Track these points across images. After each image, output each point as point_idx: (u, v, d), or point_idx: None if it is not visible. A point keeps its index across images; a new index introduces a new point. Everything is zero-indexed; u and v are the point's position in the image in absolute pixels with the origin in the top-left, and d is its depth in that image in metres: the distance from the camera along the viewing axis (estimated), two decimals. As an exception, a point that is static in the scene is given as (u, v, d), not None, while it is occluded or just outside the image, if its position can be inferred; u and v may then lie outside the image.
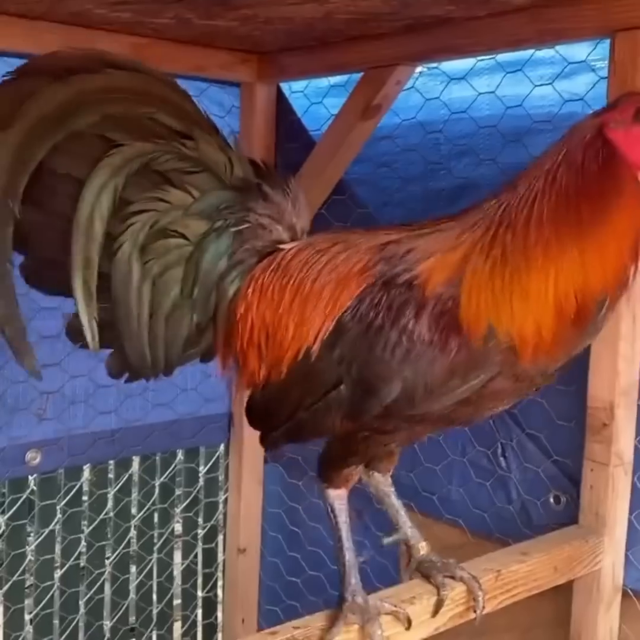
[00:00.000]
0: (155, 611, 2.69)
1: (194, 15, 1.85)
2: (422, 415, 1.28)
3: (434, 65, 2.13)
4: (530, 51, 1.93)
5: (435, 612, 1.44)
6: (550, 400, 1.96)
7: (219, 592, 2.81)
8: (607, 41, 1.71)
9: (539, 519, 2.00)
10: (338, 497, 1.43)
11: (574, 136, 1.26)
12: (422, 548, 1.52)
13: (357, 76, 2.18)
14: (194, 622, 2.80)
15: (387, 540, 1.57)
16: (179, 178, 1.44)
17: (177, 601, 2.78)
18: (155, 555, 2.66)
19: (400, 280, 1.28)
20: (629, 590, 1.83)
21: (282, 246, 1.48)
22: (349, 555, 1.42)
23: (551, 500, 1.96)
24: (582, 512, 1.80)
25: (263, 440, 1.49)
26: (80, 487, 2.46)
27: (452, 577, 1.50)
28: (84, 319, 1.40)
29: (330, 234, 1.50)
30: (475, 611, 1.49)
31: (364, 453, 1.41)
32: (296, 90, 2.46)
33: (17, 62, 2.03)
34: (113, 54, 1.37)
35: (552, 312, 1.21)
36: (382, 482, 1.56)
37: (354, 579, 1.41)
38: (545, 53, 1.93)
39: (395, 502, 1.56)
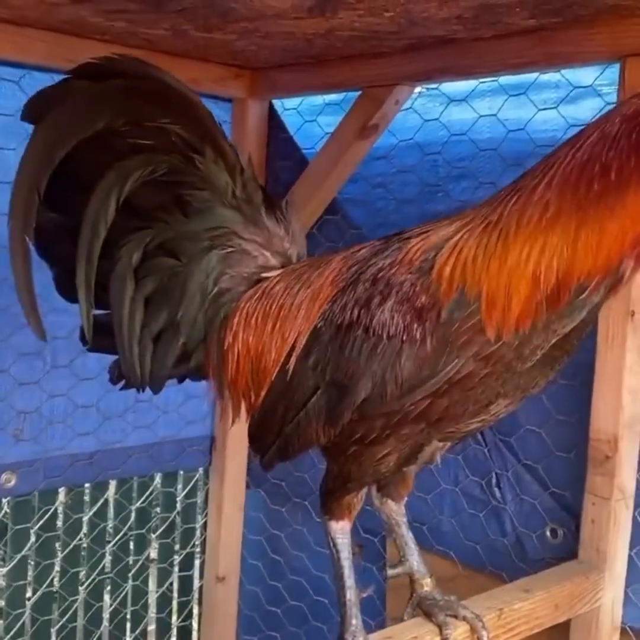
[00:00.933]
0: (129, 640, 2.60)
1: (191, 26, 1.80)
2: (398, 413, 1.24)
3: (434, 86, 2.09)
4: (534, 74, 1.90)
5: (440, 654, 1.38)
6: (548, 431, 1.92)
7: (195, 621, 2.72)
8: (615, 66, 1.68)
9: (534, 553, 1.95)
10: (341, 531, 1.37)
11: (616, 110, 1.18)
12: (427, 584, 1.47)
13: (353, 95, 2.15)
14: (169, 652, 2.71)
15: (391, 573, 1.51)
16: (182, 193, 1.43)
17: (151, 629, 2.68)
18: (130, 582, 2.57)
19: (367, 276, 1.28)
20: (628, 629, 1.78)
21: (266, 275, 1.48)
22: (351, 594, 1.36)
23: (548, 533, 1.91)
24: (582, 547, 1.75)
25: (261, 462, 1.46)
26: (55, 510, 2.38)
27: (455, 616, 1.44)
28: (82, 312, 1.42)
29: (316, 257, 1.50)
30: (479, 652, 1.43)
31: (358, 474, 1.34)
32: (289, 108, 2.40)
33: (5, 71, 1.99)
34: (147, 63, 1.37)
35: (528, 282, 1.14)
36: (395, 511, 1.50)
37: (354, 619, 1.35)
38: (550, 76, 1.90)
39: (405, 533, 1.51)
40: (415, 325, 1.19)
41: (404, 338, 1.20)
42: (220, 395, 1.50)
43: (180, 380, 1.57)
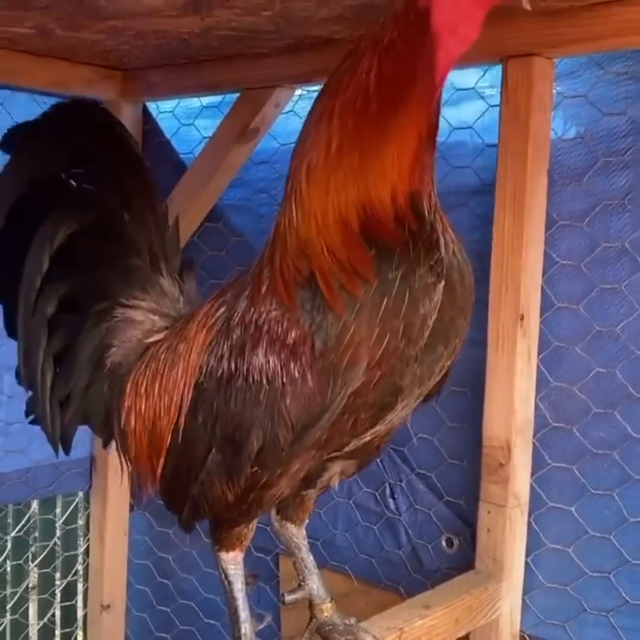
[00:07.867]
0: (8, 679, 2.44)
1: (57, 25, 1.68)
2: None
3: (315, 88, 2.03)
4: (417, 76, 1.86)
5: (340, 683, 1.32)
6: (441, 438, 1.89)
7: (80, 652, 2.59)
8: (497, 68, 1.66)
9: (430, 564, 1.91)
10: (232, 561, 1.29)
11: (390, 13, 1.06)
12: (326, 609, 1.40)
13: (232, 97, 2.07)
14: (53, 688, 2.56)
15: (289, 598, 1.43)
16: (100, 246, 1.43)
17: (32, 663, 2.54)
18: (8, 616, 2.43)
19: (236, 321, 1.19)
20: (527, 636, 1.76)
21: (150, 340, 1.43)
22: (246, 628, 1.28)
23: (443, 543, 1.88)
24: (478, 556, 1.72)
25: (179, 523, 1.35)
26: None
27: (355, 641, 1.38)
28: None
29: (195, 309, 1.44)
30: (381, 677, 1.38)
31: (248, 511, 1.26)
32: (165, 111, 2.30)
33: None
34: (108, 112, 1.43)
35: (337, 227, 1.07)
36: (295, 534, 1.43)
37: (250, 655, 1.27)
38: (432, 79, 1.86)
39: (305, 557, 1.44)
40: (293, 364, 1.10)
41: (285, 379, 1.11)
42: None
43: None
